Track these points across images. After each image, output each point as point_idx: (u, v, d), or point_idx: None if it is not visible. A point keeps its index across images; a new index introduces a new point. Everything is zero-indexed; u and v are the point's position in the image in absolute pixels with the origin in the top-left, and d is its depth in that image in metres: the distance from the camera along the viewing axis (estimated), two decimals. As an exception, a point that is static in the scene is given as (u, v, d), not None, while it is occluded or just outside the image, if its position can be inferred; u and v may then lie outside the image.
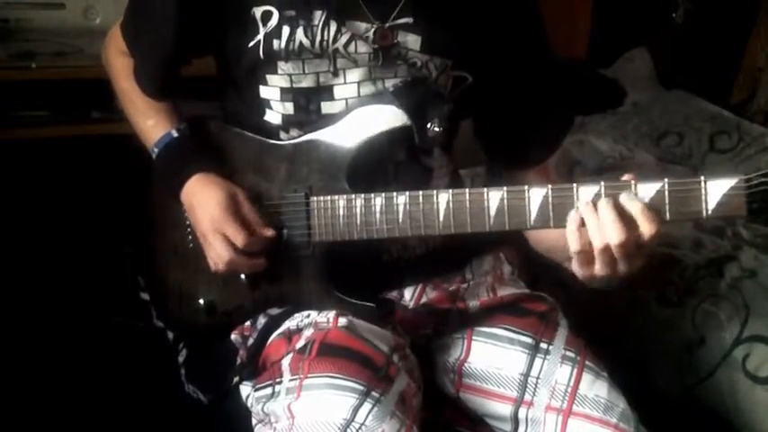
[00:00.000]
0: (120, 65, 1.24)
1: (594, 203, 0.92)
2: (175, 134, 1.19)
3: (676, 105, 2.62)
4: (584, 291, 1.83)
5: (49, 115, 1.90)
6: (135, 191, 1.31)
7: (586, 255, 0.94)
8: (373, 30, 1.08)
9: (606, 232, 0.90)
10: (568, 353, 1.16)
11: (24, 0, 1.93)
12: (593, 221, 0.91)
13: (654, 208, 0.90)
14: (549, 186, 0.97)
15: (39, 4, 1.94)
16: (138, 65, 1.20)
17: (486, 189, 1.00)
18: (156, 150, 1.19)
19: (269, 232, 1.11)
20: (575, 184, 0.96)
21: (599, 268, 0.94)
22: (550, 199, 0.97)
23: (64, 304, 1.93)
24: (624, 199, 0.91)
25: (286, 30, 1.08)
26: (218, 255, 1.11)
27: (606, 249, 0.91)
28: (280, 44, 1.08)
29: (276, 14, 1.08)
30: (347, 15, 1.08)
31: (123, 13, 1.22)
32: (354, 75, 1.11)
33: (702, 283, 1.80)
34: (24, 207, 1.94)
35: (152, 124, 1.20)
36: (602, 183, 0.94)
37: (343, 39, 1.08)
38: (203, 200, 1.11)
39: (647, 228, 0.90)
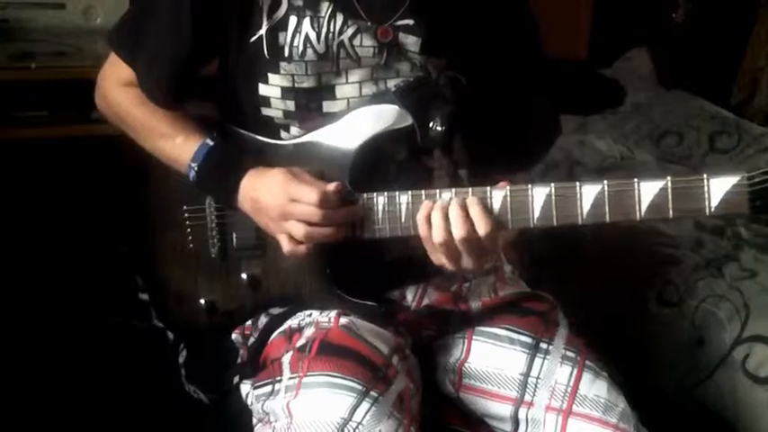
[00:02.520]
0: (126, 97, 1.18)
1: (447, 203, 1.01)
2: (211, 142, 1.13)
3: (676, 105, 2.62)
4: (585, 291, 1.84)
5: (49, 115, 1.90)
6: (134, 191, 1.30)
7: (431, 243, 1.02)
8: (375, 27, 1.08)
9: (451, 226, 0.99)
10: (568, 353, 1.16)
11: (24, 0, 1.93)
12: (439, 216, 1.00)
13: (492, 213, 0.99)
14: (553, 185, 0.97)
15: (39, 4, 1.94)
16: (144, 75, 1.14)
17: (488, 188, 1.00)
18: (194, 166, 1.12)
19: (333, 185, 1.06)
20: (577, 183, 0.96)
21: (444, 259, 1.03)
22: (554, 197, 0.97)
23: (64, 304, 1.93)
24: (470, 201, 1.00)
25: (293, 20, 1.08)
26: (297, 229, 1.06)
27: (447, 243, 1.00)
28: (285, 37, 1.08)
29: (285, 4, 1.07)
30: (351, 14, 1.08)
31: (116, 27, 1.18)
32: (356, 75, 1.11)
33: (702, 283, 1.80)
34: (24, 207, 1.94)
35: (181, 142, 1.14)
36: (606, 182, 0.95)
37: (349, 31, 1.08)
38: (265, 186, 1.07)
39: (481, 228, 0.98)
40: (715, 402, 1.66)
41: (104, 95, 1.22)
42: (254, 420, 1.15)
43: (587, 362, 1.16)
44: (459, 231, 0.99)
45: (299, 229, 1.06)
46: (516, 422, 1.16)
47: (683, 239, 1.93)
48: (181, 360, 1.27)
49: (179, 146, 1.14)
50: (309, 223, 1.05)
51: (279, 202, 1.06)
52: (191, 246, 1.22)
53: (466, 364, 1.19)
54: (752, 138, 2.39)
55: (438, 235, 1.00)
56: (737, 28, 2.68)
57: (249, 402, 1.15)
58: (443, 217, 1.00)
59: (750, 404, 1.60)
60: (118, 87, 1.19)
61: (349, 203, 1.07)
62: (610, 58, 2.89)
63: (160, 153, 1.18)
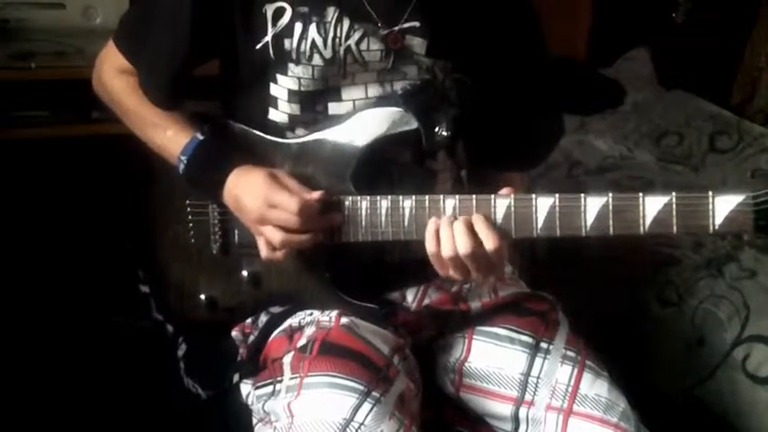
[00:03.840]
0: (120, 84, 1.19)
1: (452, 219, 1.01)
2: (201, 137, 1.13)
3: (676, 105, 2.62)
4: (585, 291, 1.84)
5: (49, 115, 1.89)
6: (136, 189, 1.30)
7: (439, 258, 1.02)
8: (385, 33, 1.08)
9: (456, 243, 0.99)
10: (569, 352, 1.17)
11: (24, 0, 1.93)
12: (447, 232, 1.00)
13: (499, 228, 1.00)
14: (557, 195, 0.98)
15: (39, 4, 1.94)
16: (144, 75, 1.15)
17: (492, 196, 1.01)
18: (183, 159, 1.12)
19: (316, 194, 1.06)
20: (582, 195, 0.97)
21: (453, 272, 1.03)
22: (558, 208, 0.97)
23: (65, 302, 1.93)
24: (475, 218, 1.00)
25: (298, 27, 1.07)
26: (274, 235, 1.06)
27: (456, 257, 1.00)
28: (291, 43, 1.08)
29: (289, 11, 1.07)
30: (358, 18, 1.08)
31: (118, 26, 1.19)
32: (363, 77, 1.11)
33: (702, 283, 1.80)
34: (24, 207, 1.94)
35: (172, 134, 1.14)
36: (610, 194, 0.95)
37: (356, 36, 1.08)
38: (247, 187, 1.07)
39: (489, 243, 0.99)
40: (715, 402, 1.66)
41: (100, 78, 1.22)
42: (254, 420, 1.15)
43: (588, 362, 1.16)
44: (464, 248, 0.99)
45: (275, 236, 1.06)
46: (517, 421, 1.16)
47: (683, 239, 1.93)
48: (180, 353, 1.26)
49: (170, 138, 1.15)
50: (287, 230, 1.05)
51: (257, 204, 1.06)
52: (192, 241, 1.22)
53: (466, 364, 1.20)
54: (752, 138, 2.39)
55: (447, 250, 1.00)
56: (737, 28, 2.68)
57: (250, 402, 1.16)
58: (451, 233, 1.00)
59: (750, 404, 1.60)
60: (114, 73, 1.20)
61: (332, 209, 1.07)
62: (610, 58, 2.89)
63: (151, 142, 1.18)
